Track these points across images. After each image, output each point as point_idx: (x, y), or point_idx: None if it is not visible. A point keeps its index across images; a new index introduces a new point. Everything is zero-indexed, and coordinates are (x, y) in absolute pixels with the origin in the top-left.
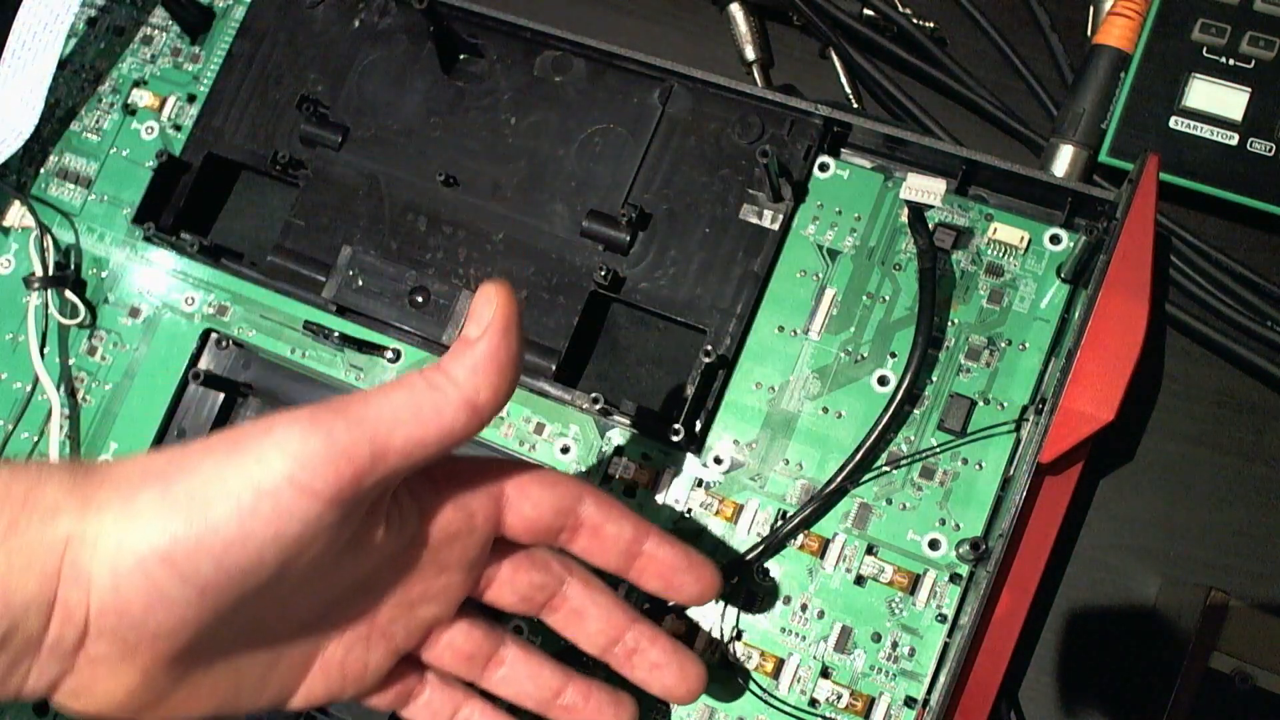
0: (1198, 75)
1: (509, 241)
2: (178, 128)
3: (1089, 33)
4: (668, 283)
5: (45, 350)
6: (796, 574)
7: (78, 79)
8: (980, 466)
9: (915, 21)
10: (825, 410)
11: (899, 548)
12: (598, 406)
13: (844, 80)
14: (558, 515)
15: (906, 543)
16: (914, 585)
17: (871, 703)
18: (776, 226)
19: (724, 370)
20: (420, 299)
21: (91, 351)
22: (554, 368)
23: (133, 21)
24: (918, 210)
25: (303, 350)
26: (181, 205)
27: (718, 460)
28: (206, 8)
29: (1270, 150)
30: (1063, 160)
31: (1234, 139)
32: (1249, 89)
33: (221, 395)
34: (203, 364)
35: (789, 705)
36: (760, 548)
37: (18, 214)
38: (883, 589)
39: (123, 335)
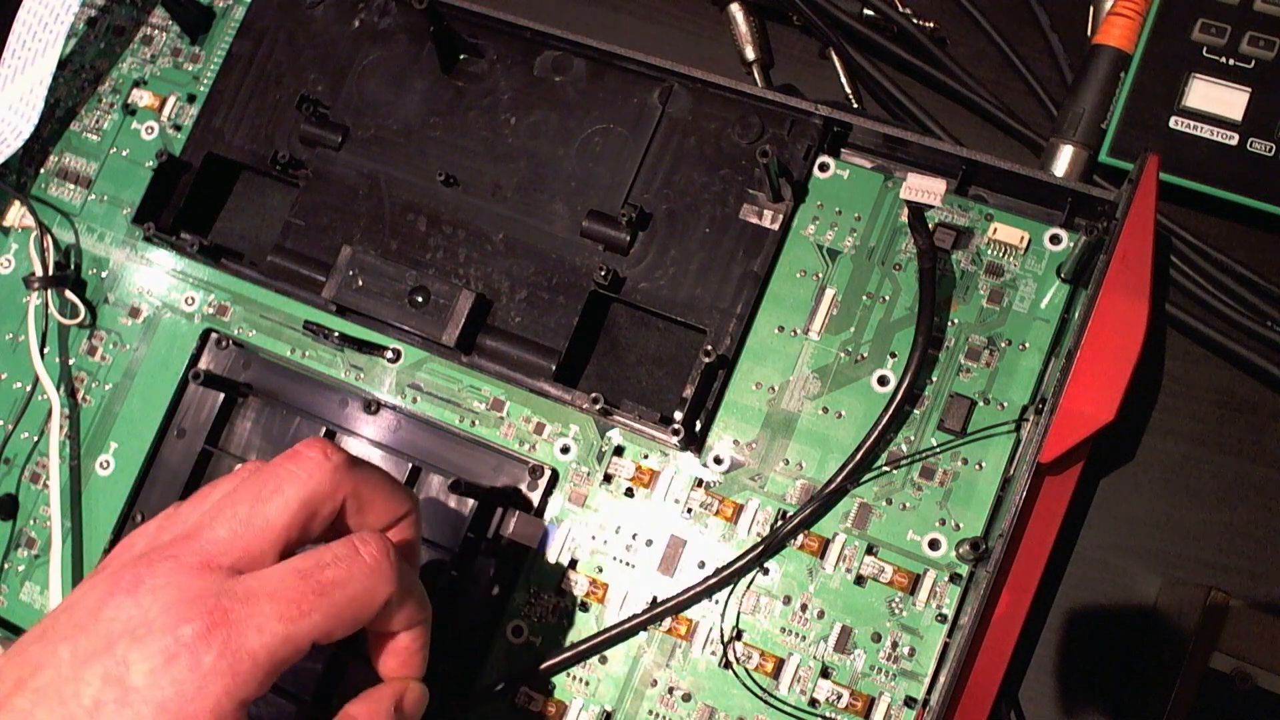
0: (1198, 75)
1: (509, 241)
2: (178, 128)
3: (1089, 33)
4: (668, 283)
5: (45, 350)
6: (796, 574)
7: (78, 79)
8: (980, 466)
9: (915, 21)
10: (825, 410)
11: (899, 548)
12: (598, 406)
13: (844, 80)
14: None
15: (906, 543)
16: (914, 585)
17: (871, 703)
18: (776, 226)
19: (724, 370)
20: (420, 299)
21: (91, 351)
22: (554, 368)
23: (133, 21)
24: (918, 210)
25: (303, 350)
26: (181, 205)
27: (718, 460)
28: (206, 8)
29: (1270, 150)
30: (1063, 160)
31: (1234, 139)
32: (1249, 89)
33: (221, 395)
34: (203, 364)
35: (789, 705)
36: (759, 549)
37: (18, 214)
38: (883, 589)
39: (123, 335)
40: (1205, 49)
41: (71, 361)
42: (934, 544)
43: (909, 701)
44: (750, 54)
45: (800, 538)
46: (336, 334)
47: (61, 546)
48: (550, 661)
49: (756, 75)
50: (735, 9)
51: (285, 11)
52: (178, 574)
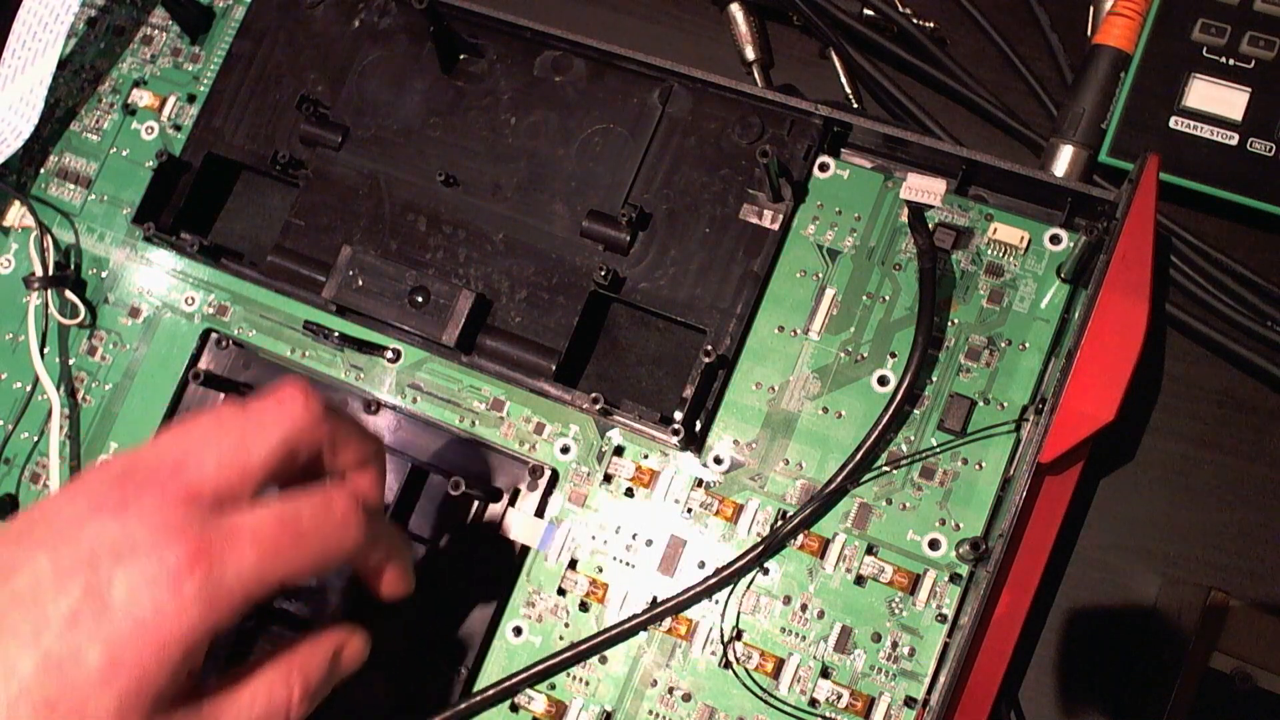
0: (1198, 75)
1: (509, 241)
2: (178, 128)
3: (1089, 33)
4: (668, 283)
5: (45, 350)
6: (796, 574)
7: (78, 79)
8: (980, 466)
9: (915, 21)
10: (825, 410)
11: (899, 548)
12: (598, 406)
13: (844, 80)
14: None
15: (906, 543)
16: (914, 585)
17: (871, 703)
18: (776, 226)
19: (724, 370)
20: (420, 299)
21: (91, 351)
22: (554, 368)
23: (133, 21)
24: (918, 210)
25: (303, 350)
26: (181, 205)
27: (718, 460)
28: (206, 8)
29: (1270, 150)
30: (1063, 160)
31: (1234, 139)
32: (1249, 89)
33: (222, 395)
34: (203, 364)
35: (789, 705)
36: (759, 549)
37: (18, 214)
38: (883, 589)
39: (123, 335)
40: (1205, 49)
41: (71, 361)
42: (934, 544)
43: (909, 701)
44: (750, 54)
45: (800, 538)
46: (336, 334)
47: None
48: (550, 661)
49: (756, 75)
50: (735, 9)
51: (285, 11)
52: (164, 501)
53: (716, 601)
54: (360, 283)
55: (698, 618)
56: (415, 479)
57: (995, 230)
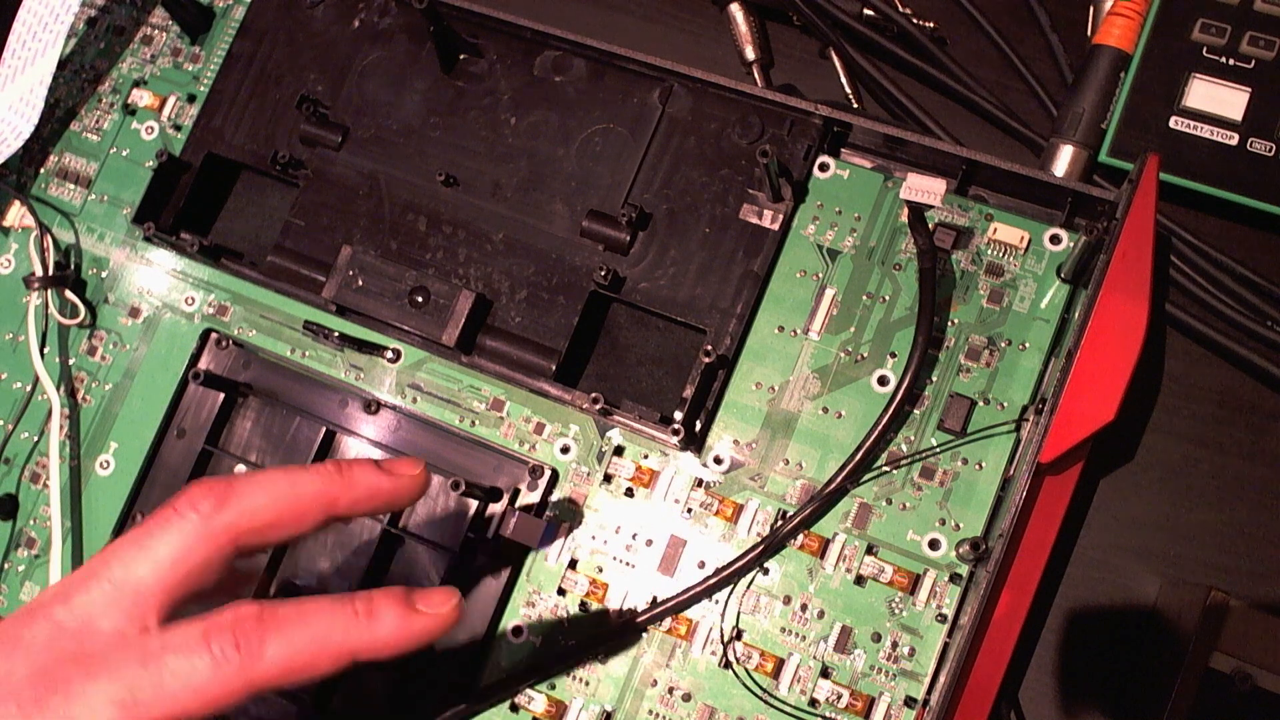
0: (1198, 75)
1: (509, 241)
2: (178, 128)
3: (1089, 33)
4: (668, 283)
5: (45, 350)
6: (796, 574)
7: (78, 79)
8: (980, 466)
9: (915, 21)
10: (825, 410)
11: (899, 548)
12: (598, 406)
13: (844, 80)
14: None
15: (906, 543)
16: (914, 585)
17: (871, 703)
18: (776, 226)
19: (724, 370)
20: (420, 299)
21: (91, 351)
22: (554, 368)
23: (133, 21)
24: (918, 210)
25: (303, 350)
26: (181, 205)
27: (718, 460)
28: (206, 8)
29: (1270, 150)
30: (1063, 160)
31: (1234, 139)
32: (1249, 89)
33: (221, 395)
34: (203, 364)
35: (789, 705)
36: (759, 549)
37: (18, 214)
38: (883, 589)
39: (123, 335)
40: (1205, 49)
41: (71, 361)
42: (934, 544)
43: (909, 701)
44: (750, 54)
45: (800, 538)
46: (336, 334)
47: (61, 546)
48: (550, 662)
49: (756, 75)
50: (735, 9)
51: (285, 11)
52: (34, 638)
53: (716, 601)
54: (360, 283)
55: (698, 618)
56: None
57: (995, 230)
